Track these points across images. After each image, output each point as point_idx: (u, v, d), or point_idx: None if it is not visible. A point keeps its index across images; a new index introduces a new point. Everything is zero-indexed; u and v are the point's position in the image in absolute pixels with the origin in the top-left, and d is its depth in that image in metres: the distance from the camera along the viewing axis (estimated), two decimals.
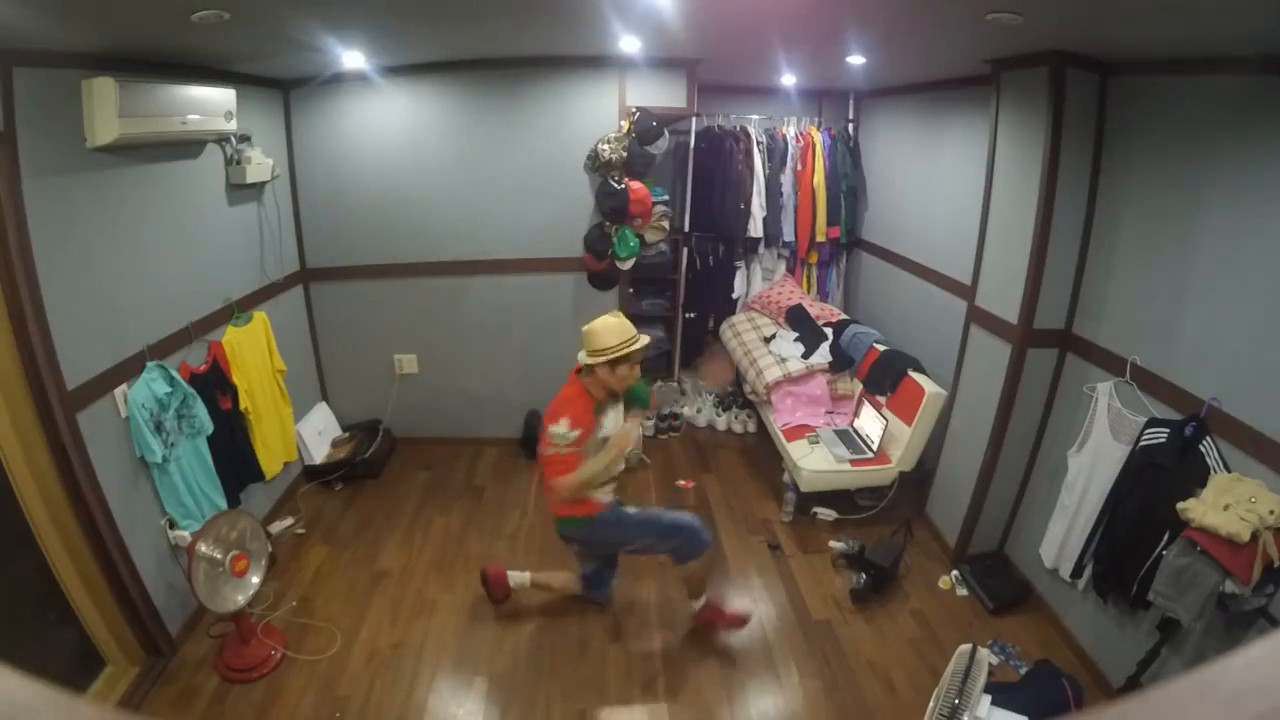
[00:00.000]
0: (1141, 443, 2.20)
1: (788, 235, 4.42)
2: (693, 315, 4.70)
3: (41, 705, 0.25)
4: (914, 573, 3.10)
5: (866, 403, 3.63)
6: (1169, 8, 1.64)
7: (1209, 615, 1.81)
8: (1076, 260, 2.61)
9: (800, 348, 3.99)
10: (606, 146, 3.54)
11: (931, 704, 1.93)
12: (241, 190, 3.15)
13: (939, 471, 3.37)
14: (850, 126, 4.52)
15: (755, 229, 4.36)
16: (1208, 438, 2.02)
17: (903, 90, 3.97)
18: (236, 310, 3.07)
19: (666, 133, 3.61)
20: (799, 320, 4.18)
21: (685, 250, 4.50)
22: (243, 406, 2.99)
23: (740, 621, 2.70)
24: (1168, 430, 2.13)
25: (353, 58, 3.00)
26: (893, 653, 2.64)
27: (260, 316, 3.24)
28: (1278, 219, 1.87)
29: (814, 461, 3.37)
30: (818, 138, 4.35)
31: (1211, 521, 1.76)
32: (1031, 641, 2.68)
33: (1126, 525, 2.20)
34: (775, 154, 4.33)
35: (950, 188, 3.45)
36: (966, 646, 2.01)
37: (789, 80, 3.99)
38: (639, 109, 3.51)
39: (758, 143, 4.28)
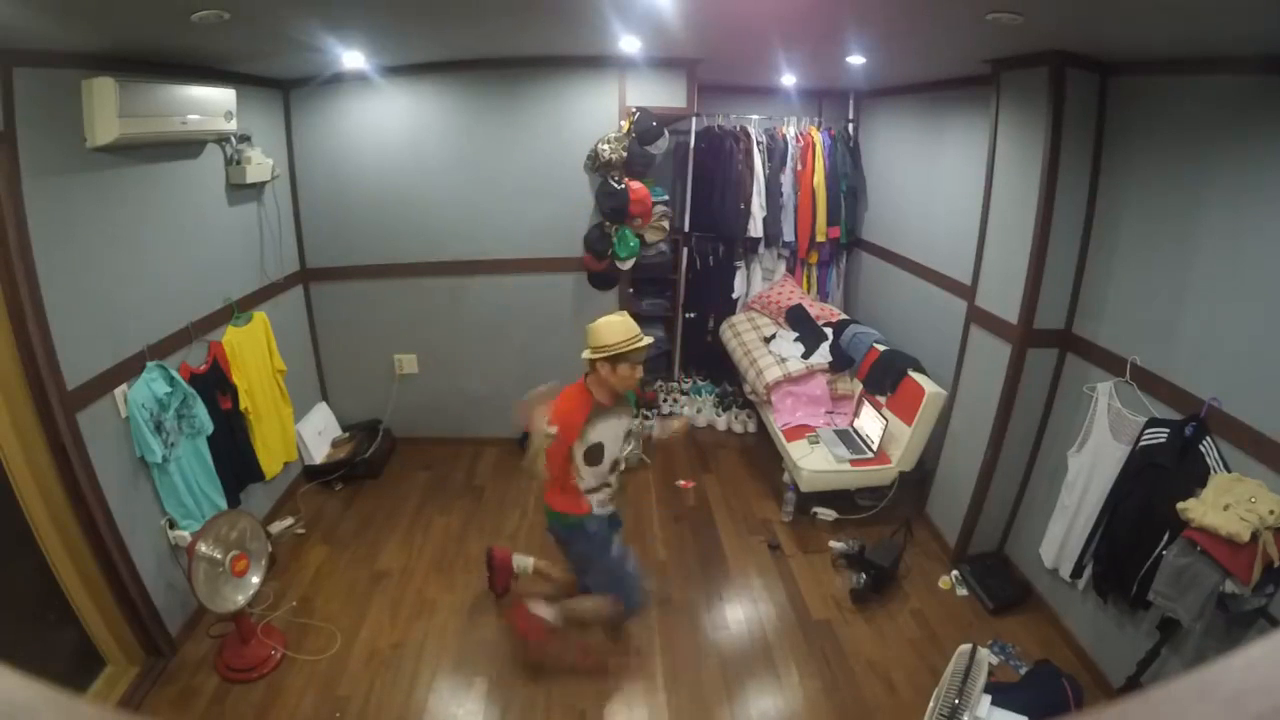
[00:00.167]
0: (1141, 443, 2.20)
1: (788, 235, 4.42)
2: (693, 315, 4.70)
3: (41, 705, 0.25)
4: (914, 573, 3.10)
5: (866, 403, 3.63)
6: (1169, 8, 1.64)
7: (1209, 615, 1.81)
8: (1076, 260, 2.61)
9: (800, 348, 3.99)
10: (606, 146, 3.54)
11: (931, 704, 1.93)
12: (241, 190, 3.15)
13: (939, 471, 3.37)
14: (850, 126, 4.52)
15: (755, 229, 4.36)
16: (1208, 438, 2.02)
17: (903, 90, 3.97)
18: (236, 310, 3.07)
19: (666, 133, 3.61)
20: (799, 320, 4.18)
21: (685, 250, 4.50)
22: (243, 406, 2.99)
23: (537, 632, 2.52)
24: (1168, 430, 2.13)
25: (353, 58, 3.00)
26: (893, 653, 2.64)
27: (260, 316, 3.24)
28: (1278, 219, 1.87)
29: (814, 461, 3.37)
30: (818, 138, 4.35)
31: (1211, 521, 1.76)
32: (1031, 641, 2.68)
33: (1126, 525, 2.20)
34: (775, 154, 4.33)
35: (950, 188, 3.45)
36: (966, 646, 2.01)
37: (789, 80, 3.99)
38: (639, 109, 3.51)
39: (758, 143, 4.28)
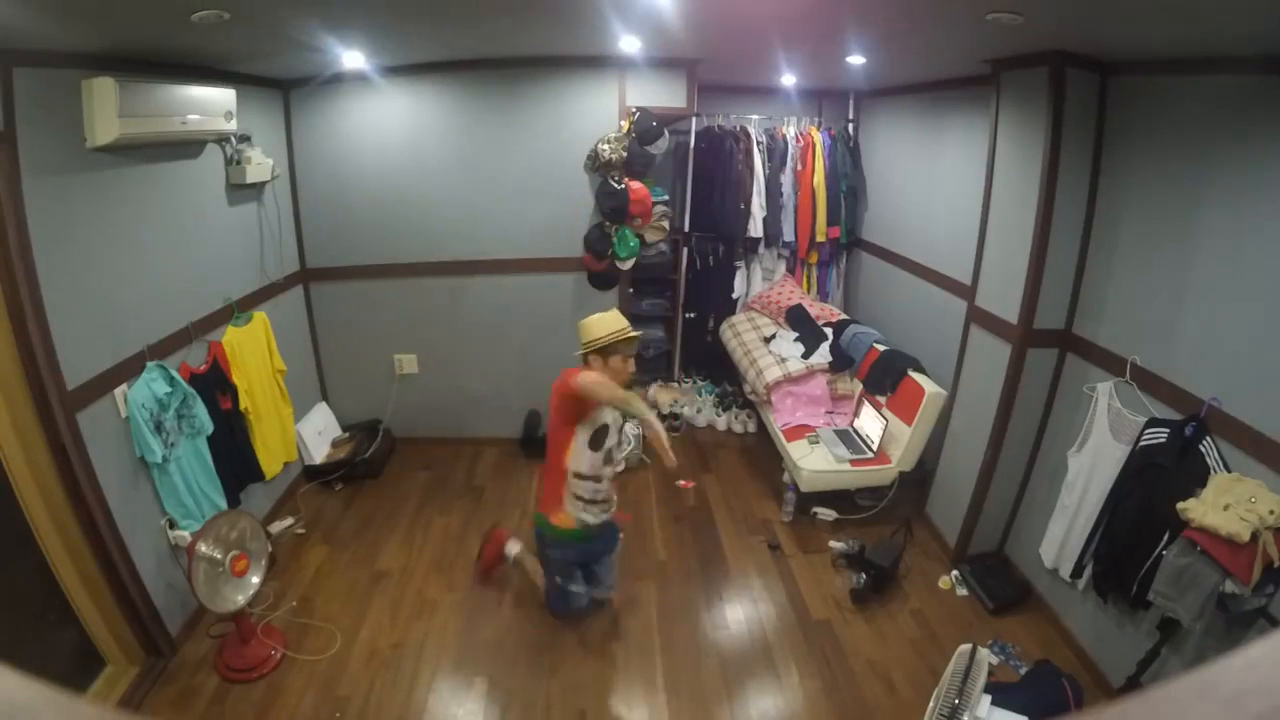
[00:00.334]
0: (1141, 443, 2.20)
1: (788, 235, 4.41)
2: (693, 315, 4.70)
3: (41, 705, 0.25)
4: (914, 573, 3.10)
5: (866, 403, 3.63)
6: (1169, 8, 1.64)
7: (1209, 615, 1.81)
8: (1076, 260, 2.61)
9: (800, 348, 3.99)
10: (606, 146, 3.54)
11: (931, 704, 1.93)
12: (241, 190, 3.15)
13: (939, 471, 3.37)
14: (850, 126, 4.52)
15: (755, 229, 4.36)
16: (1208, 438, 2.02)
17: (903, 90, 3.97)
18: (236, 310, 3.07)
19: (666, 133, 3.61)
20: (799, 320, 4.18)
21: (685, 250, 4.50)
22: (243, 406, 2.99)
23: (492, 563, 2.94)
24: (1168, 430, 2.13)
25: (353, 58, 3.00)
26: (893, 653, 2.64)
27: (260, 316, 3.24)
28: (1278, 219, 1.87)
29: (814, 461, 3.37)
30: (818, 138, 4.35)
31: (1211, 521, 1.76)
32: (1031, 641, 2.68)
33: (1126, 525, 2.20)
34: (775, 154, 4.33)
35: (950, 188, 3.45)
36: (966, 646, 2.01)
37: (789, 80, 3.99)
38: (639, 109, 3.51)
39: (758, 143, 4.28)
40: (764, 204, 4.34)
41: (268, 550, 2.62)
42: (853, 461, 3.38)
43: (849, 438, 3.56)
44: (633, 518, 2.85)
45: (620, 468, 3.42)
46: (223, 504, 2.77)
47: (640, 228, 3.77)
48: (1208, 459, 1.99)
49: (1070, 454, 2.56)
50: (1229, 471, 1.93)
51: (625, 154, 3.54)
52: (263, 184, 3.29)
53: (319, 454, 3.81)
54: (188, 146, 2.77)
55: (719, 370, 4.73)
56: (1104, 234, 2.52)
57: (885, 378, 3.54)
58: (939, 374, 3.37)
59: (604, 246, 3.66)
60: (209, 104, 2.61)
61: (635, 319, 4.41)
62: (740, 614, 2.86)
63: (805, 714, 2.39)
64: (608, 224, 3.67)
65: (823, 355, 3.90)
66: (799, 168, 4.35)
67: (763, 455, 4.07)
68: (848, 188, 4.43)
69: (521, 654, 2.62)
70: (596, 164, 3.60)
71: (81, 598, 2.29)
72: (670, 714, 2.38)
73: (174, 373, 2.54)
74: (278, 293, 3.52)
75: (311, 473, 3.74)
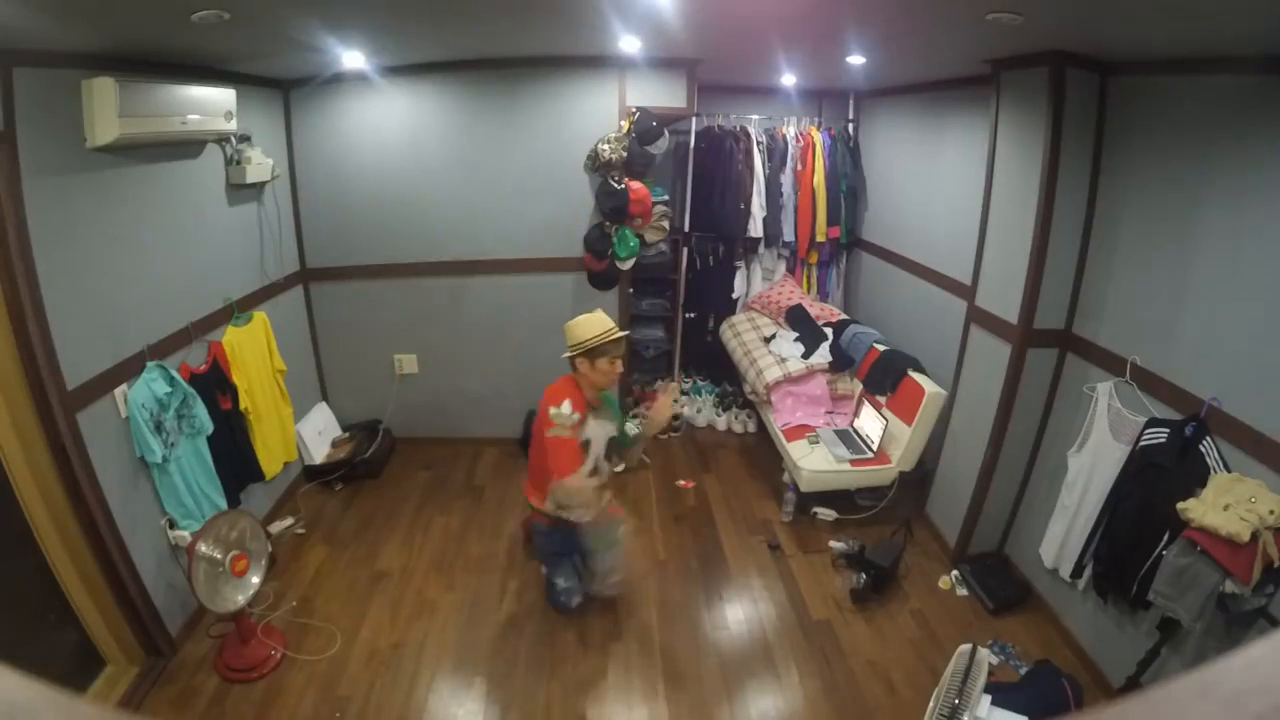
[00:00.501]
0: (1141, 443, 2.20)
1: (788, 235, 4.41)
2: (693, 315, 4.70)
3: (41, 705, 0.25)
4: (914, 573, 3.10)
5: (866, 403, 3.63)
6: (1169, 8, 1.64)
7: (1209, 615, 1.81)
8: (1076, 260, 2.61)
9: (800, 348, 3.99)
10: (606, 146, 3.54)
11: (931, 704, 1.93)
12: (241, 190, 3.15)
13: (939, 471, 3.37)
14: (850, 126, 4.52)
15: (755, 229, 4.35)
16: (1208, 438, 2.02)
17: (903, 90, 3.97)
18: (236, 310, 3.08)
19: (666, 133, 3.61)
20: (799, 320, 4.18)
21: (685, 250, 4.50)
22: (243, 406, 2.99)
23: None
24: (1168, 430, 2.13)
25: (353, 58, 3.00)
26: (893, 653, 2.64)
27: (260, 316, 3.24)
28: (1278, 219, 1.87)
29: (814, 461, 3.37)
30: (818, 138, 4.34)
31: (1211, 521, 1.76)
32: (1031, 641, 2.68)
33: (1126, 525, 2.20)
34: (775, 154, 4.33)
35: (950, 188, 3.45)
36: (966, 646, 2.01)
37: (789, 80, 3.99)
38: (639, 109, 3.51)
39: (758, 143, 4.28)
40: (764, 204, 4.34)
41: (268, 550, 2.62)
42: (853, 461, 3.38)
43: (849, 438, 3.56)
44: (624, 512, 2.85)
45: (619, 468, 3.41)
46: (223, 504, 2.77)
47: (640, 228, 3.77)
48: (1208, 459, 1.99)
49: (1070, 454, 2.56)
50: (1229, 471, 1.93)
51: (625, 154, 3.54)
52: (263, 184, 3.29)
53: (319, 454, 3.81)
54: (188, 146, 2.77)
55: (719, 370, 4.73)
56: (1104, 234, 2.52)
57: (885, 378, 3.54)
58: (939, 374, 3.37)
59: (604, 246, 3.66)
60: (209, 104, 2.61)
61: (635, 319, 4.43)
62: (740, 614, 2.86)
63: (805, 714, 2.39)
64: (608, 224, 3.67)
65: (823, 355, 3.90)
66: (799, 168, 4.35)
67: (763, 455, 4.07)
68: (848, 188, 4.42)
69: (521, 654, 2.62)
70: (596, 164, 3.60)
71: (81, 598, 2.29)
72: (670, 714, 2.38)
73: (174, 373, 2.54)
74: (278, 293, 3.52)
75: (311, 473, 3.74)
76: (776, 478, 3.68)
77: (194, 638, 2.64)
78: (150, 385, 2.43)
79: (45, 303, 2.04)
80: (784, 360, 3.90)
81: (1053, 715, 1.96)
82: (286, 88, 3.51)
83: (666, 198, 4.01)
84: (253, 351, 3.12)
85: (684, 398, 4.62)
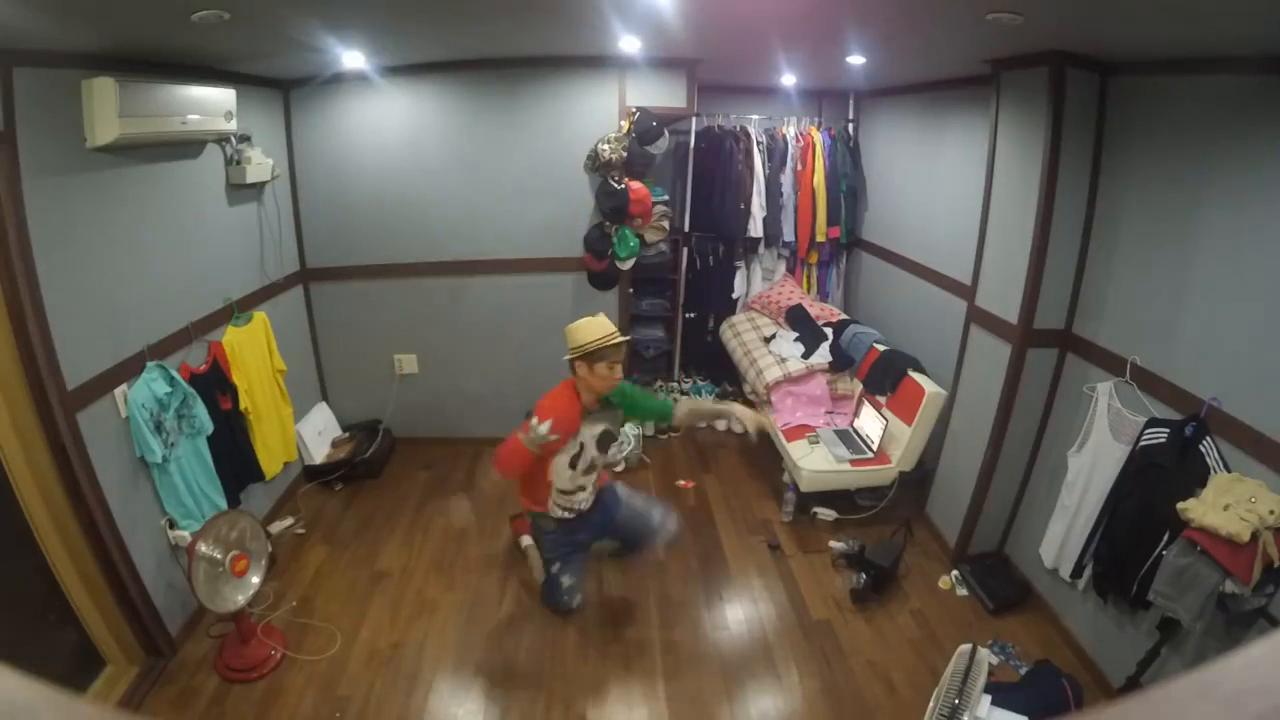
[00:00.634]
0: (1141, 443, 2.20)
1: (788, 235, 4.42)
2: (693, 315, 4.71)
3: (41, 705, 0.25)
4: (914, 573, 3.10)
5: (866, 403, 3.63)
6: (1169, 8, 1.64)
7: (1209, 615, 1.81)
8: (1076, 260, 2.61)
9: (800, 348, 3.99)
10: (606, 146, 3.54)
11: (931, 704, 1.93)
12: (241, 190, 3.15)
13: (939, 471, 3.37)
14: (850, 126, 4.52)
15: (755, 229, 4.36)
16: (1208, 438, 2.02)
17: (903, 90, 3.97)
18: (236, 310, 3.08)
19: (666, 133, 3.61)
20: (799, 320, 4.18)
21: (685, 250, 4.50)
22: (243, 406, 2.99)
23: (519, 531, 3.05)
24: (1168, 430, 2.13)
25: (353, 58, 3.00)
26: (893, 653, 2.64)
27: (260, 316, 3.24)
28: (1278, 219, 1.87)
29: (814, 461, 3.37)
30: (818, 138, 4.35)
31: (1211, 521, 1.76)
32: (1031, 641, 2.68)
33: (1126, 525, 2.20)
34: (775, 154, 4.33)
35: (950, 188, 3.45)
36: (966, 646, 2.01)
37: (789, 80, 3.99)
38: (639, 109, 3.51)
39: (758, 143, 4.29)
40: (764, 204, 4.34)
41: (268, 550, 2.62)
42: (853, 461, 3.38)
43: (849, 438, 3.56)
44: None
45: (620, 467, 3.42)
46: (223, 504, 2.77)
47: (640, 228, 3.77)
48: (1208, 459, 1.99)
49: (1070, 454, 2.56)
50: (1229, 471, 1.93)
51: (625, 154, 3.54)
52: (263, 184, 3.29)
53: (319, 454, 3.81)
54: (188, 146, 2.77)
55: (719, 370, 4.73)
56: (1104, 234, 2.52)
57: (885, 378, 3.54)
58: (939, 374, 3.37)
59: (604, 246, 3.66)
60: (209, 104, 2.61)
61: (635, 319, 4.43)
62: (740, 614, 2.86)
63: (805, 714, 2.39)
64: (608, 224, 3.67)
65: (823, 355, 3.91)
66: (799, 168, 4.35)
67: (763, 455, 4.06)
68: (848, 188, 4.43)
69: (521, 654, 2.62)
70: (596, 164, 3.60)
71: (81, 598, 2.29)
72: (670, 714, 2.38)
73: (174, 373, 2.54)
74: (278, 293, 3.52)
75: (311, 473, 3.74)
76: (776, 478, 3.68)
77: (194, 638, 2.64)
78: (150, 385, 2.43)
79: (45, 303, 2.04)
80: (784, 360, 3.90)
81: (1053, 715, 1.96)
82: (286, 88, 3.51)
83: (666, 198, 4.01)
84: (253, 351, 3.12)
85: (684, 398, 4.62)
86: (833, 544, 3.19)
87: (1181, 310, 2.19)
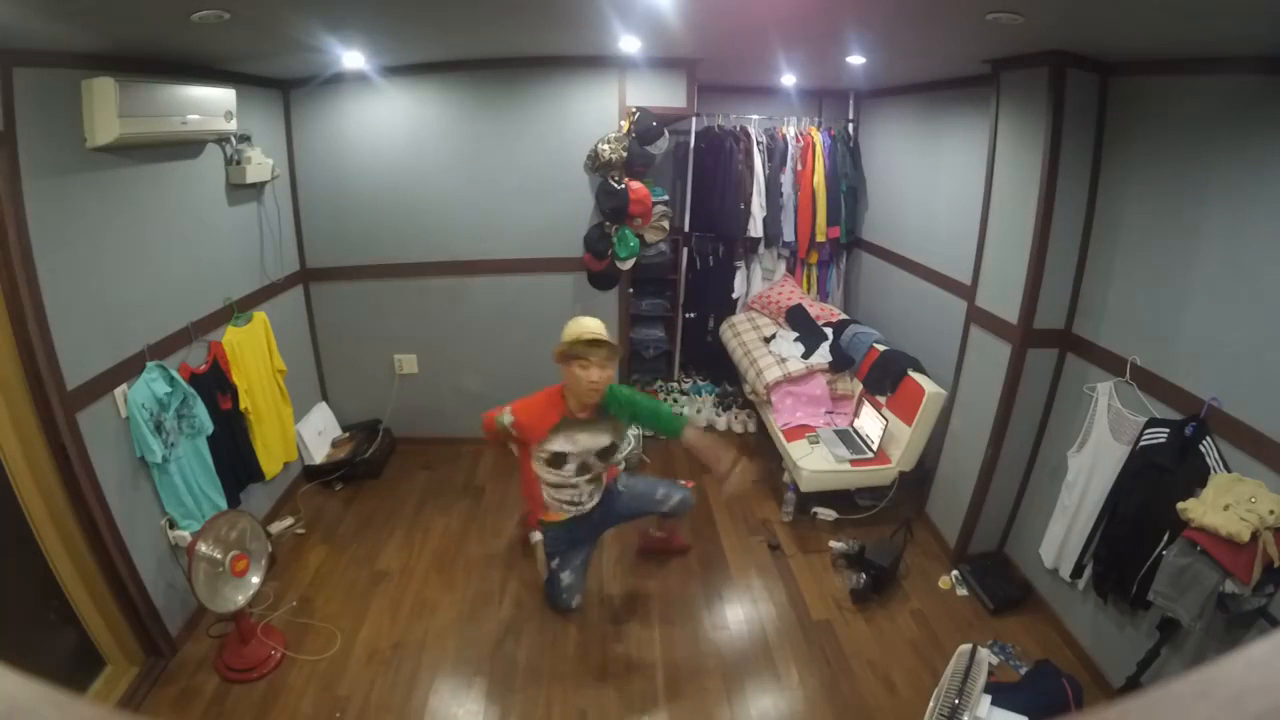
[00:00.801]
0: (1141, 443, 2.20)
1: (788, 235, 4.41)
2: (693, 315, 4.70)
3: (41, 705, 0.25)
4: (914, 573, 3.10)
5: (866, 403, 3.63)
6: (1169, 8, 1.64)
7: (1209, 615, 1.81)
8: (1076, 260, 2.61)
9: (800, 348, 3.99)
10: (606, 146, 3.54)
11: (931, 704, 1.93)
12: (241, 190, 3.15)
13: (939, 471, 3.37)
14: (850, 126, 4.52)
15: (755, 229, 4.36)
16: (1208, 438, 2.02)
17: (903, 90, 3.97)
18: (236, 310, 3.08)
19: (666, 133, 3.61)
20: (799, 320, 4.18)
21: (685, 250, 4.50)
22: (243, 406, 2.99)
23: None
24: (1168, 430, 2.13)
25: (353, 58, 3.00)
26: (893, 653, 2.64)
27: (260, 316, 3.24)
28: (1278, 219, 1.87)
29: (814, 461, 3.37)
30: (818, 138, 4.35)
31: (1211, 521, 1.76)
32: (1031, 641, 2.68)
33: (1126, 525, 2.20)
34: (775, 154, 4.33)
35: (950, 188, 3.45)
36: (966, 646, 2.01)
37: (789, 80, 4.00)
38: (639, 109, 3.51)
39: (758, 143, 4.28)
40: (764, 204, 4.34)
41: (268, 550, 2.62)
42: (853, 461, 3.38)
43: (849, 438, 3.56)
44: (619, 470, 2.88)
45: (621, 467, 3.41)
46: (223, 504, 2.77)
47: (640, 228, 3.77)
48: (1208, 459, 1.99)
49: (1070, 454, 2.56)
50: (1229, 471, 1.93)
51: (625, 154, 3.54)
52: (263, 184, 3.29)
53: (319, 454, 3.81)
54: (188, 146, 2.77)
55: (719, 370, 4.73)
56: (1104, 234, 2.52)
57: (885, 378, 3.54)
58: (939, 374, 3.37)
59: (604, 246, 3.66)
60: (209, 104, 2.61)
61: (635, 319, 4.43)
62: (740, 614, 2.86)
63: (805, 714, 2.39)
64: (608, 224, 3.67)
65: (823, 355, 3.91)
66: (799, 168, 4.35)
67: (763, 455, 4.07)
68: (848, 188, 4.42)
69: (521, 654, 2.62)
70: (596, 164, 3.60)
71: (81, 598, 2.29)
72: (670, 714, 2.38)
73: (174, 373, 2.54)
74: (278, 293, 3.52)
75: (311, 473, 3.74)
76: (776, 478, 3.68)
77: (194, 638, 2.64)
78: (150, 385, 2.43)
79: (45, 303, 2.04)
80: (784, 360, 3.90)
81: (1053, 715, 1.96)
82: (286, 88, 3.51)
83: (666, 198, 4.01)
84: (253, 351, 3.12)
85: (684, 398, 4.63)
86: (833, 544, 3.19)
87: (1182, 310, 2.19)
